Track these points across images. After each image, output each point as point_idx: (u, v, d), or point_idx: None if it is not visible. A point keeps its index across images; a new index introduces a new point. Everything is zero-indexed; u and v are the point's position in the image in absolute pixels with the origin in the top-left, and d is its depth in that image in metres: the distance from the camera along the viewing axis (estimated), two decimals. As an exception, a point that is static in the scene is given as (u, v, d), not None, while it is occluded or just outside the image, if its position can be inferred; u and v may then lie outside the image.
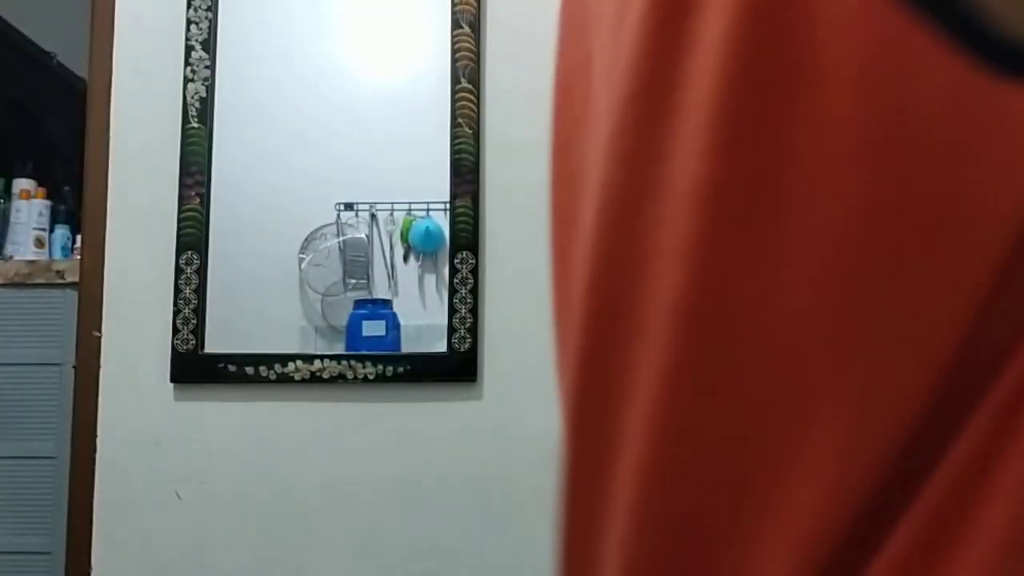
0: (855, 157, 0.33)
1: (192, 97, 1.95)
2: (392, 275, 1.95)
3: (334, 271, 1.96)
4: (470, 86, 1.93)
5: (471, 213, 1.91)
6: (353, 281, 1.96)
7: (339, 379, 1.89)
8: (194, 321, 1.90)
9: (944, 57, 0.31)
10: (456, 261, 1.90)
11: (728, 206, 0.34)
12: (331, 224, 1.97)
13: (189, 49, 1.96)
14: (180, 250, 1.92)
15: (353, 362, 1.88)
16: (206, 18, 1.97)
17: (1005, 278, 0.32)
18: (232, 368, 1.89)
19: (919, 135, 0.32)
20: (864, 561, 0.33)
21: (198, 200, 1.93)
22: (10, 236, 2.47)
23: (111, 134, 1.98)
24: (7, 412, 2.26)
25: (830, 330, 0.33)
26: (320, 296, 1.96)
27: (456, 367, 1.88)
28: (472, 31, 1.94)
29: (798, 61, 0.33)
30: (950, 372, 0.33)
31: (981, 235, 0.32)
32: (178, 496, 1.89)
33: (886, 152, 0.32)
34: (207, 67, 1.96)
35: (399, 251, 1.96)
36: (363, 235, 1.96)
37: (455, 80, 1.93)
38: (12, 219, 2.49)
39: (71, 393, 2.00)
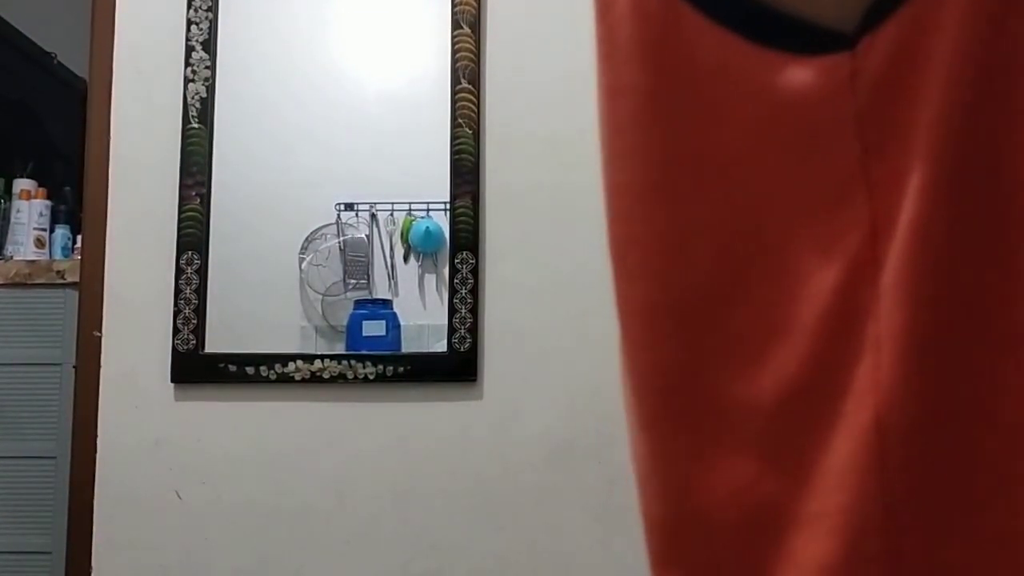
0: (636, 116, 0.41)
1: (192, 97, 1.95)
2: (392, 275, 1.96)
3: (334, 271, 1.96)
4: (470, 86, 1.93)
5: (471, 213, 1.91)
6: (353, 281, 1.96)
7: (339, 379, 1.89)
8: (194, 321, 1.90)
9: (707, 30, 0.39)
10: (456, 261, 1.90)
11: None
12: (331, 224, 1.97)
13: (189, 49, 1.96)
14: (180, 250, 1.92)
15: (353, 362, 1.88)
16: (206, 18, 1.97)
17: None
18: (232, 368, 1.89)
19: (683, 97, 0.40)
20: None
21: (198, 200, 1.93)
22: (10, 236, 2.47)
23: (111, 134, 1.98)
24: (7, 412, 2.26)
25: None
26: (320, 296, 1.96)
27: (456, 367, 1.88)
28: (472, 31, 1.94)
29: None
30: None
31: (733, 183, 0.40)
32: (178, 496, 1.90)
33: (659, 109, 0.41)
34: (207, 67, 1.96)
35: (399, 251, 1.96)
36: (363, 235, 1.97)
37: (455, 80, 1.93)
38: (12, 219, 2.49)
39: (71, 393, 2.00)
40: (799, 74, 0.37)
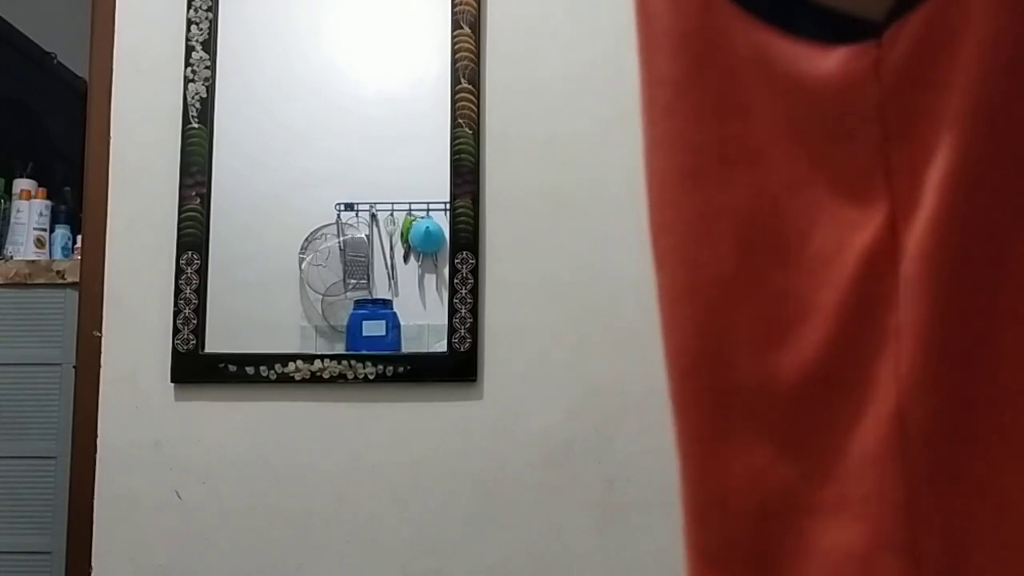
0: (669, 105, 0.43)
1: (192, 97, 1.95)
2: (392, 275, 1.96)
3: (334, 271, 1.97)
4: (470, 86, 1.93)
5: (471, 213, 1.91)
6: (353, 281, 1.96)
7: (339, 379, 1.89)
8: (194, 321, 1.90)
9: (740, 20, 0.39)
10: (456, 261, 1.90)
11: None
12: (331, 224, 1.97)
13: (189, 49, 1.96)
14: (180, 250, 1.92)
15: (353, 362, 1.89)
16: (206, 18, 1.97)
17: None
18: (232, 368, 1.89)
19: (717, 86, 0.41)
20: None
21: (198, 200, 1.93)
22: (10, 236, 2.47)
23: (111, 134, 1.98)
24: (7, 412, 2.26)
25: None
26: (320, 296, 1.96)
27: (456, 367, 1.88)
28: (472, 31, 1.94)
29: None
30: None
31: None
32: (178, 496, 1.90)
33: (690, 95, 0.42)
34: (207, 67, 1.96)
35: (399, 251, 1.96)
36: (363, 235, 1.97)
37: (455, 80, 1.93)
38: (12, 219, 2.49)
39: (71, 393, 2.00)
40: (826, 63, 0.37)
